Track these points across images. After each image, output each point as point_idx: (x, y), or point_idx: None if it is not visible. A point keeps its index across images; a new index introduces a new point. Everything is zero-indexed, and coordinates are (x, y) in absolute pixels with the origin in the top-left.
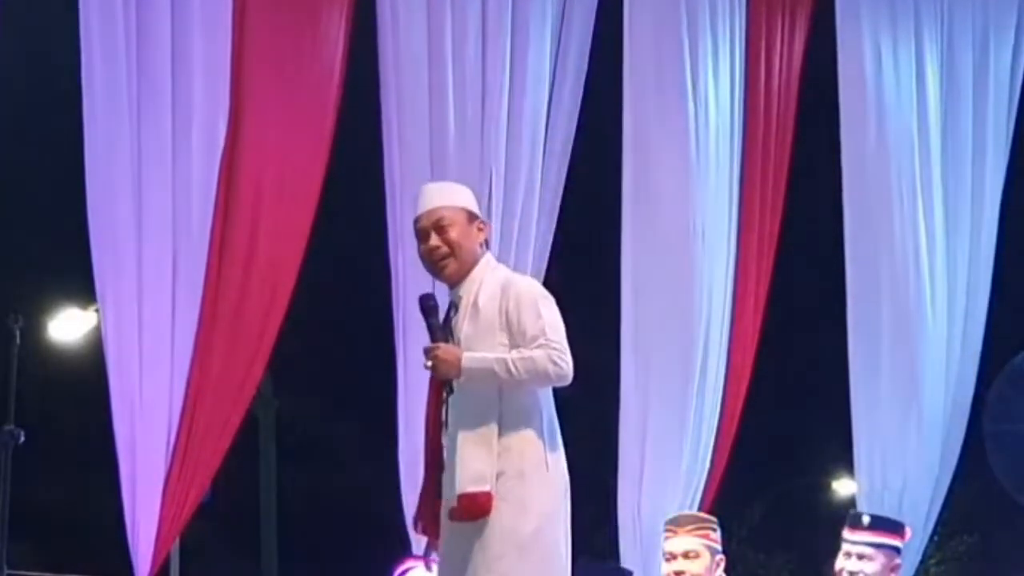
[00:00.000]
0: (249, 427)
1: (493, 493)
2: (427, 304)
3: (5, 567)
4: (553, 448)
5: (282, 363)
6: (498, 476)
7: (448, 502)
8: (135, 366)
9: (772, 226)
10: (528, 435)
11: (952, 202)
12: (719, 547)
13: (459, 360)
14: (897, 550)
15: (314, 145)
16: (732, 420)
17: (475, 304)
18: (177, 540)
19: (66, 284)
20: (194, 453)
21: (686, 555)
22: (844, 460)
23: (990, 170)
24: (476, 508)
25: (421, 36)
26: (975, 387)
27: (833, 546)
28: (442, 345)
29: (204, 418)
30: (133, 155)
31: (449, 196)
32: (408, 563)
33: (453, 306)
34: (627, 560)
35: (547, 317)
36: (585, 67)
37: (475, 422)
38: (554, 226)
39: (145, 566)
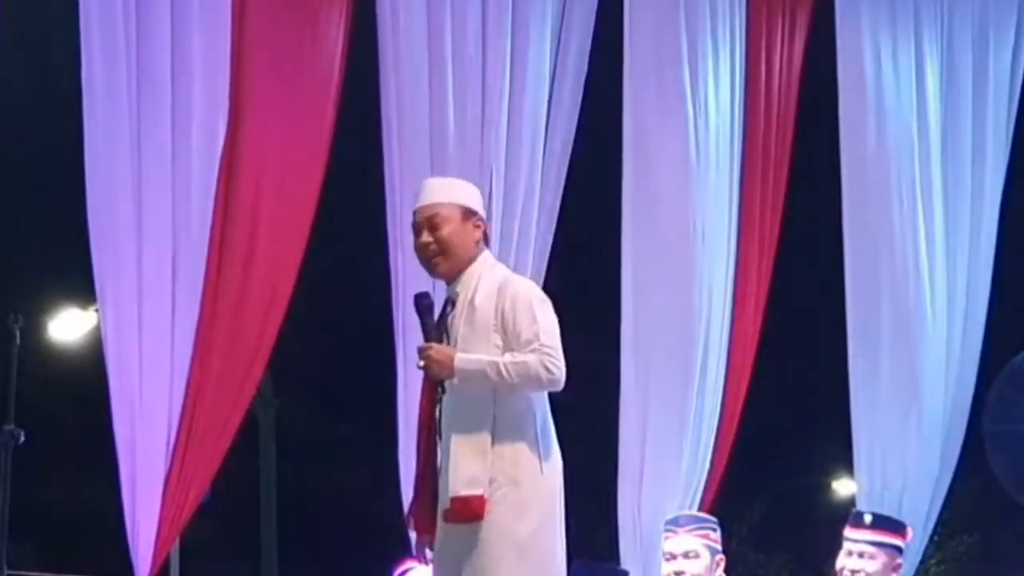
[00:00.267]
0: (249, 427)
1: (487, 496)
2: (422, 303)
3: (5, 567)
4: (547, 450)
5: (282, 363)
6: (492, 479)
7: (442, 504)
8: (135, 366)
9: (772, 226)
10: (522, 438)
11: (952, 202)
12: (719, 547)
13: (452, 360)
14: (899, 549)
15: (314, 145)
16: (732, 420)
17: (471, 303)
18: (177, 540)
19: (66, 284)
20: (194, 453)
21: (686, 555)
22: (844, 460)
23: (990, 170)
24: (469, 511)
25: (421, 36)
26: (975, 387)
27: (833, 546)
28: (435, 345)
29: (204, 418)
30: (133, 155)
31: (447, 192)
32: (408, 563)
33: (450, 302)
34: (627, 560)
35: (542, 321)
36: (585, 67)
37: (468, 425)
38: (554, 226)
39: (145, 566)
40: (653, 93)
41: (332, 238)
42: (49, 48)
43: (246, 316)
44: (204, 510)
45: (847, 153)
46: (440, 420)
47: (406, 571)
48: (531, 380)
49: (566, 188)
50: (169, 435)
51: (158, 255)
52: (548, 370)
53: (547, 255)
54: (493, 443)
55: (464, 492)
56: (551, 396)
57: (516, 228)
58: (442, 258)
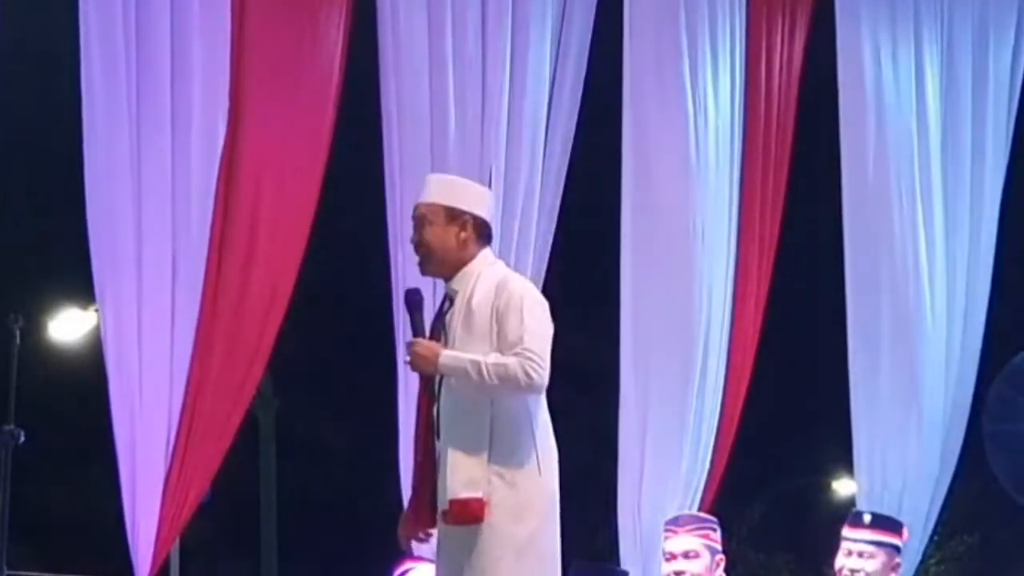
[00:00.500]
0: (249, 427)
1: (485, 499)
2: (412, 299)
3: (5, 567)
4: (545, 451)
5: (282, 363)
6: (490, 481)
7: (441, 505)
8: (135, 366)
9: (772, 226)
10: (520, 439)
11: (952, 202)
12: (719, 547)
13: (436, 357)
14: (897, 549)
15: (314, 145)
16: (732, 420)
17: (468, 304)
18: (177, 540)
19: (66, 284)
20: (194, 453)
21: (686, 555)
22: (844, 460)
23: (990, 170)
24: (468, 514)
25: (421, 36)
26: (975, 387)
27: (833, 546)
28: (421, 341)
29: (204, 418)
30: (133, 155)
31: (435, 193)
32: (408, 563)
33: (448, 299)
34: (627, 560)
35: (529, 324)
36: (585, 67)
37: (466, 426)
38: (554, 226)
39: (145, 566)
40: (653, 93)
41: (332, 238)
42: (49, 49)
43: (246, 316)
44: (204, 510)
45: (847, 153)
46: (438, 420)
47: (406, 571)
48: (510, 383)
49: (566, 188)
50: (169, 435)
51: (158, 255)
52: (528, 375)
53: (547, 255)
54: (491, 444)
55: (463, 494)
56: (550, 396)
57: (516, 228)
58: (425, 259)
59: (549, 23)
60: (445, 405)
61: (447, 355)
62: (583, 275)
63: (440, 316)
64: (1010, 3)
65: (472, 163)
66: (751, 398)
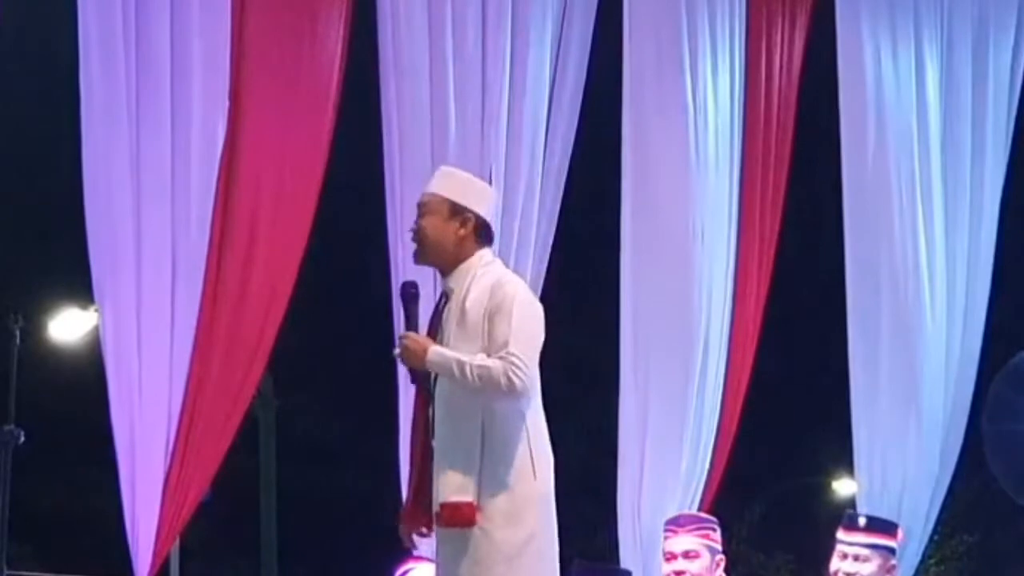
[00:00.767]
0: (249, 427)
1: (475, 503)
2: (407, 292)
3: (5, 567)
4: (540, 454)
5: (282, 363)
6: (484, 485)
7: (435, 507)
8: (134, 366)
9: (772, 225)
10: (514, 442)
11: (952, 202)
12: (719, 547)
13: (425, 352)
14: (892, 551)
15: (313, 145)
16: (732, 420)
17: (462, 305)
18: (177, 540)
19: (66, 284)
20: (194, 453)
21: (686, 555)
22: (844, 460)
23: (990, 170)
24: (459, 517)
25: (422, 36)
26: (975, 387)
27: (833, 546)
28: (412, 335)
29: (204, 418)
30: (132, 155)
31: (443, 184)
32: (408, 564)
33: (444, 295)
34: (627, 560)
35: (517, 328)
36: (585, 67)
37: (457, 429)
38: (554, 226)
39: (145, 566)
40: (653, 93)
41: (332, 238)
42: (49, 49)
43: (246, 316)
44: (204, 510)
45: (847, 153)
46: (434, 420)
47: (406, 571)
48: (491, 386)
49: (566, 188)
50: (169, 435)
51: (157, 255)
52: (510, 379)
53: (547, 255)
54: (484, 448)
55: (453, 498)
56: (550, 396)
57: (516, 228)
58: (419, 247)
59: (549, 23)
60: (439, 405)
61: (435, 351)
62: (583, 275)
63: (437, 312)
64: (1010, 3)
65: (472, 163)
66: (751, 398)
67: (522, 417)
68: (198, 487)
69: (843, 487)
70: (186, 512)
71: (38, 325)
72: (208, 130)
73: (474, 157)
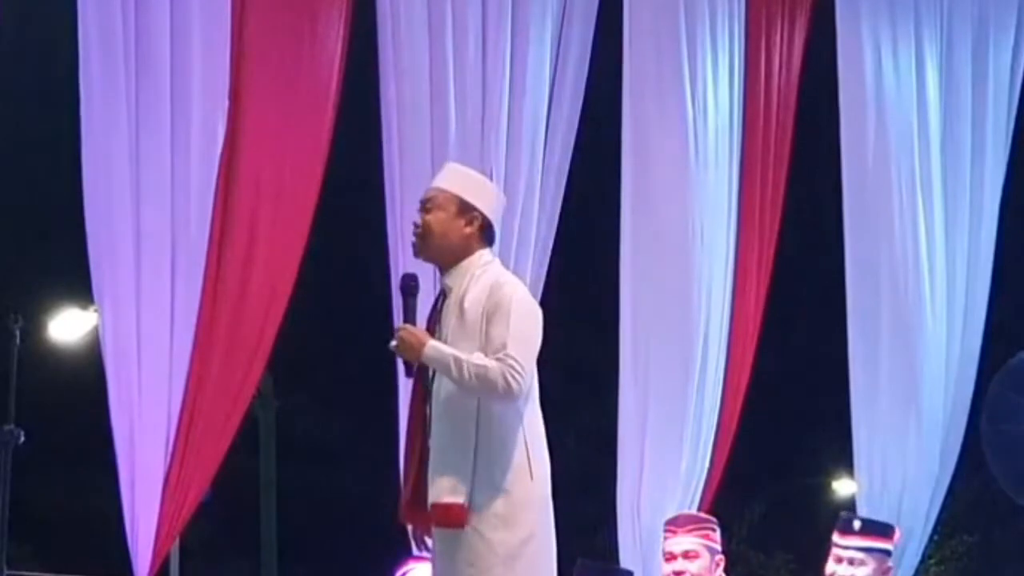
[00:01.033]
0: (249, 427)
1: (466, 505)
2: (407, 284)
3: (5, 567)
4: (537, 455)
5: (282, 363)
6: (479, 487)
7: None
8: (134, 366)
9: (771, 225)
10: (510, 443)
11: (952, 202)
12: (719, 547)
13: (422, 346)
14: (888, 553)
15: (313, 144)
16: (732, 419)
17: (461, 305)
18: (177, 540)
19: (66, 284)
20: (194, 453)
21: (686, 555)
22: (844, 460)
23: (990, 170)
24: (450, 518)
25: (422, 36)
26: (975, 387)
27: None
28: (409, 327)
29: (204, 418)
30: (132, 154)
31: (452, 180)
32: (409, 564)
33: (442, 293)
34: (627, 560)
35: (515, 330)
36: (585, 68)
37: (452, 429)
38: (555, 225)
39: (145, 566)
40: (653, 92)
41: (332, 238)
42: (48, 49)
43: (246, 315)
44: (204, 510)
45: (847, 152)
46: (431, 418)
47: (406, 572)
48: (487, 387)
49: (566, 187)
50: (168, 435)
51: (157, 254)
52: (507, 381)
53: (547, 254)
54: (479, 449)
55: (445, 499)
56: (550, 395)
57: (516, 228)
58: (421, 242)
59: (549, 23)
60: (436, 403)
61: (433, 346)
62: (583, 274)
63: (435, 310)
64: (1010, 3)
65: (472, 163)
66: (751, 398)
67: (520, 418)
68: (198, 487)
69: (843, 487)
70: (186, 512)
71: (38, 325)
72: (208, 129)
73: (474, 157)
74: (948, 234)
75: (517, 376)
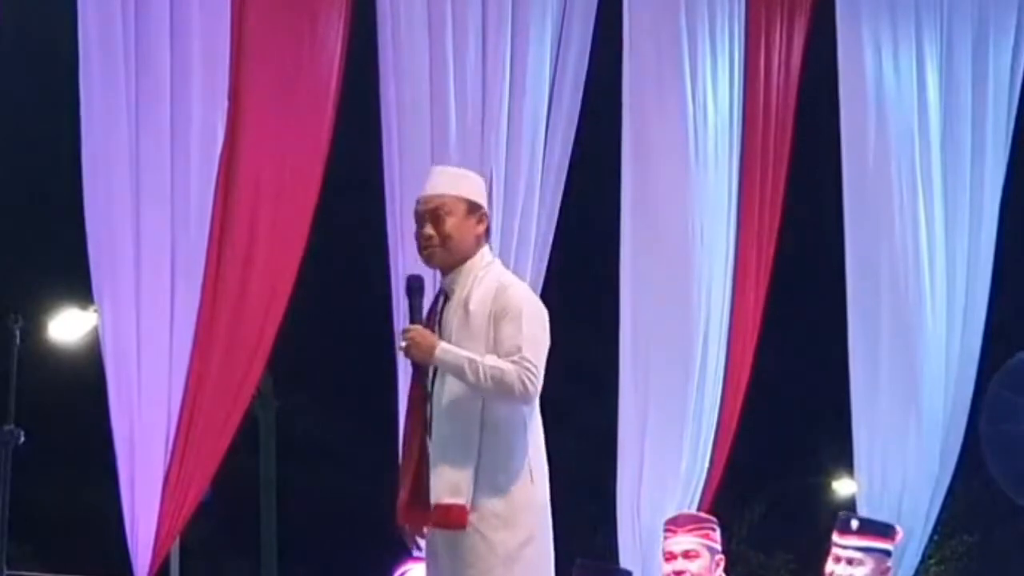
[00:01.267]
0: (249, 427)
1: (468, 506)
2: (413, 285)
3: (5, 567)
4: (537, 458)
5: (282, 363)
6: (481, 488)
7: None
8: (134, 366)
9: (771, 225)
10: (513, 445)
11: (952, 202)
12: (719, 547)
13: (433, 348)
14: (887, 553)
15: (313, 145)
16: (731, 419)
17: (466, 307)
18: (177, 540)
19: (66, 284)
20: (193, 453)
21: (686, 555)
22: (844, 460)
23: (990, 171)
24: (451, 520)
25: (422, 36)
26: (975, 387)
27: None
28: (420, 328)
29: (203, 418)
30: (132, 154)
31: (454, 184)
32: (408, 564)
33: (443, 294)
34: (626, 560)
35: (528, 333)
36: (585, 68)
37: (455, 430)
38: (554, 225)
39: (145, 566)
40: (652, 92)
41: (332, 238)
42: (49, 49)
43: (246, 315)
44: (204, 510)
45: (848, 153)
46: (431, 419)
47: (405, 572)
48: (504, 389)
49: (566, 187)
50: (168, 435)
51: (157, 254)
52: (523, 384)
53: (547, 254)
54: (481, 450)
55: (446, 500)
56: (550, 395)
57: (516, 227)
58: (442, 251)
59: (549, 23)
60: (438, 404)
61: (445, 348)
62: (583, 273)
63: (433, 310)
64: (1010, 4)
65: (472, 163)
66: (751, 397)
67: (523, 421)
68: (198, 486)
69: (843, 487)
70: (186, 512)
71: (38, 325)
72: (208, 130)
73: (474, 157)
74: (948, 234)
75: (533, 379)
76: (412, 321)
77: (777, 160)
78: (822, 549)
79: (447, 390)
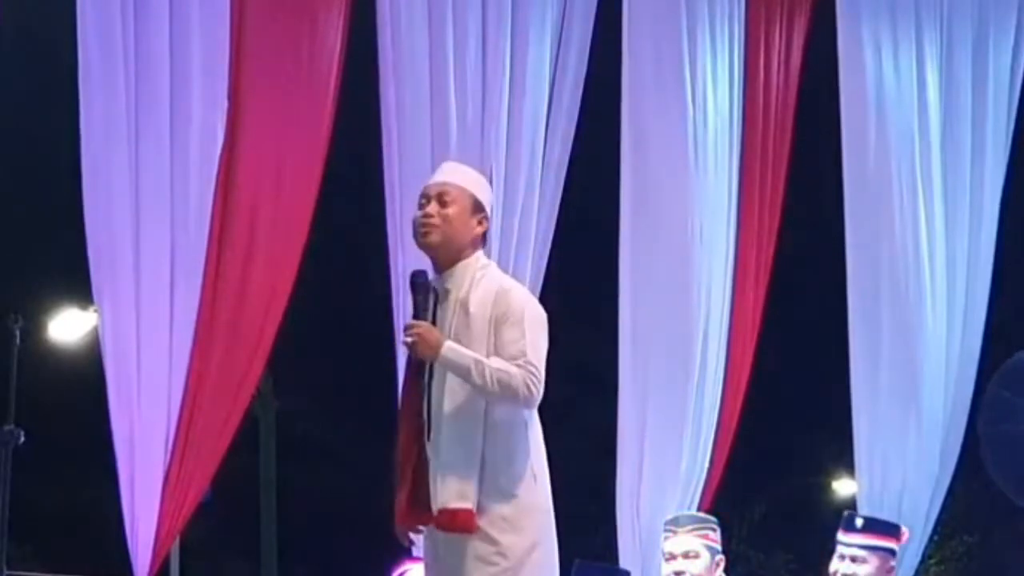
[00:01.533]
0: (249, 427)
1: (474, 510)
2: (417, 280)
3: (5, 567)
4: (539, 459)
5: (282, 363)
6: (486, 491)
7: (433, 511)
8: (133, 366)
9: (771, 225)
10: (516, 448)
11: (952, 202)
12: (719, 547)
13: (440, 345)
14: (892, 552)
15: (312, 144)
16: (731, 419)
17: (465, 308)
18: (177, 540)
19: (66, 284)
20: (193, 453)
21: (686, 555)
22: (844, 460)
23: (990, 171)
24: (457, 524)
25: (422, 36)
26: (975, 387)
27: (833, 546)
28: (426, 324)
29: (203, 418)
30: (131, 154)
31: (465, 178)
32: (407, 564)
33: (435, 292)
34: (626, 560)
35: (531, 338)
36: (585, 68)
37: (458, 433)
38: (554, 225)
39: (145, 566)
40: (652, 93)
41: (332, 238)
42: (48, 49)
43: (245, 315)
44: (204, 510)
45: (848, 153)
46: (429, 421)
47: (405, 572)
48: (510, 393)
49: (566, 187)
50: (168, 435)
51: (156, 254)
52: (529, 388)
53: (547, 254)
54: (485, 453)
55: (453, 505)
56: (549, 395)
57: (516, 227)
58: (437, 231)
59: (549, 23)
60: (438, 406)
61: (451, 347)
62: (582, 274)
63: (427, 310)
64: (1010, 4)
65: (472, 163)
66: (750, 397)
67: (524, 422)
68: (198, 486)
69: (843, 487)
70: (186, 512)
71: (38, 325)
72: (207, 130)
73: (474, 157)
74: (948, 234)
75: (538, 383)
76: (416, 317)
77: (777, 160)
78: (822, 549)
79: (447, 391)
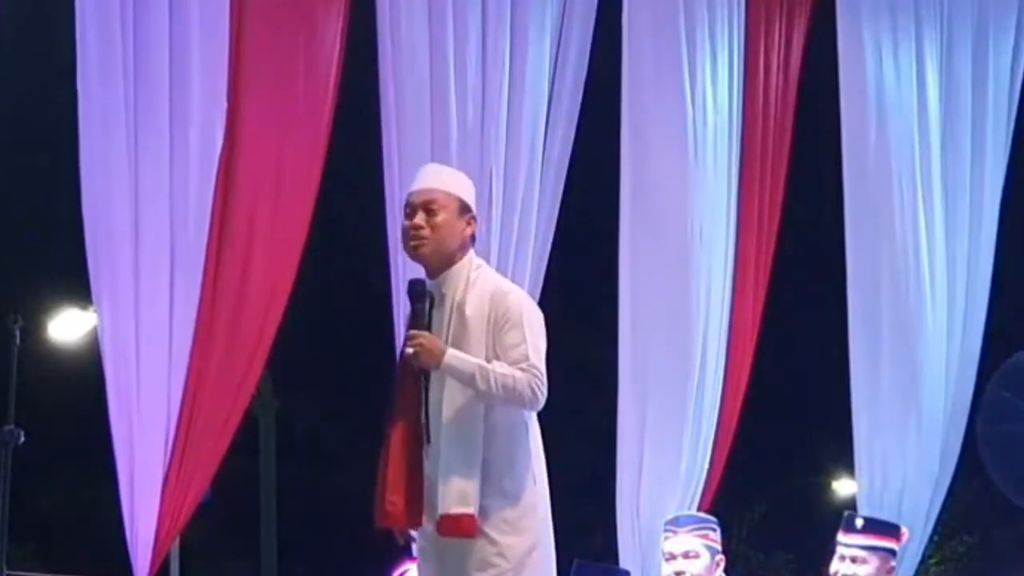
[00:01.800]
0: (249, 427)
1: (476, 515)
2: (415, 289)
3: (5, 567)
4: (538, 461)
5: (282, 363)
6: (487, 494)
7: (434, 516)
8: (133, 366)
9: (771, 225)
10: (516, 451)
11: (952, 203)
12: (719, 547)
13: (443, 354)
14: (892, 552)
15: (312, 144)
16: (731, 419)
17: (461, 311)
18: (177, 540)
19: (66, 284)
20: (193, 453)
21: (686, 555)
22: (844, 460)
23: (990, 171)
24: (460, 529)
25: (421, 36)
26: (975, 387)
27: (833, 546)
28: (427, 334)
29: (203, 418)
30: (130, 154)
31: (448, 181)
32: (407, 564)
33: (431, 298)
34: (626, 560)
35: (532, 340)
36: (585, 67)
37: (459, 437)
38: (554, 224)
39: (144, 566)
40: (652, 92)
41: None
42: (47, 49)
43: (245, 315)
44: (204, 510)
45: (848, 153)
46: (428, 425)
47: (404, 572)
48: (514, 396)
49: (565, 186)
50: (168, 435)
51: (156, 255)
52: (533, 391)
53: (547, 254)
54: (488, 456)
55: (455, 510)
56: (549, 396)
57: (516, 226)
58: (430, 242)
59: (549, 23)
60: (435, 410)
61: (454, 354)
62: (582, 274)
63: (421, 315)
64: (1010, 4)
65: (472, 163)
66: (751, 397)
67: (524, 424)
68: (198, 487)
69: (843, 487)
70: (186, 512)
71: (38, 325)
72: (206, 130)
73: (474, 157)
74: (948, 235)
75: (542, 386)
76: (416, 326)
77: (777, 160)
78: (822, 549)
79: (447, 396)
